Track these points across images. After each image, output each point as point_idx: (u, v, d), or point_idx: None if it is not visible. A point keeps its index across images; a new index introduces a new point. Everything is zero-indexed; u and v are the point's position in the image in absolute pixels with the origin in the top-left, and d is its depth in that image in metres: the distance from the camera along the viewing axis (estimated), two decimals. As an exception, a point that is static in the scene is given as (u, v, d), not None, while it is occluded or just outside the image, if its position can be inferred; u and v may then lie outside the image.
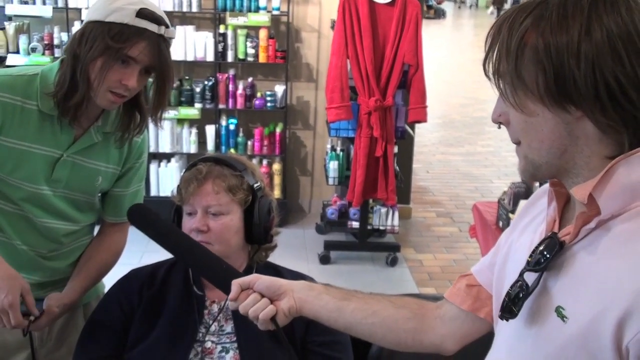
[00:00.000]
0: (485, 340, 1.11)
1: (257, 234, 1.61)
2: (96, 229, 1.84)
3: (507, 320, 0.95)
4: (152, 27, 1.48)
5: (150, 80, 1.58)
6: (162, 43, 1.50)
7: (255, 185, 1.61)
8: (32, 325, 1.55)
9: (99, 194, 1.75)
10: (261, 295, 1.23)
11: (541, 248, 0.91)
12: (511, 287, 0.94)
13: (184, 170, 1.64)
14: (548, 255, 0.89)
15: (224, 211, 1.56)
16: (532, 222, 1.06)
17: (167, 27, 1.51)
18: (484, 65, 0.91)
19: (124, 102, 1.61)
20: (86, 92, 1.50)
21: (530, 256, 0.92)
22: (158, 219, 1.50)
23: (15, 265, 1.60)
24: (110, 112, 1.64)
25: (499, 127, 0.96)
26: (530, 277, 0.92)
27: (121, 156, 1.71)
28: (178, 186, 1.61)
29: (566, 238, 0.90)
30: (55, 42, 4.82)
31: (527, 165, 0.93)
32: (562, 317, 0.86)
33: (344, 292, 1.25)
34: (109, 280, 1.74)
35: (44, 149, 1.57)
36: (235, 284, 1.24)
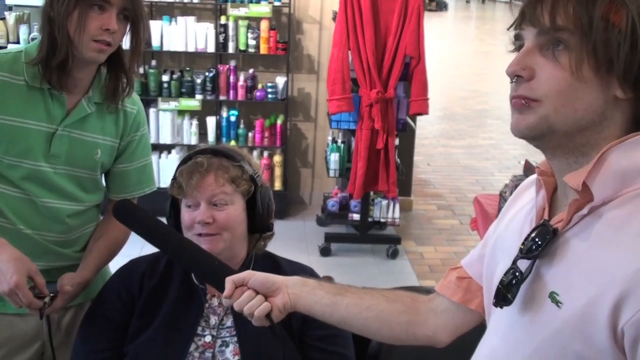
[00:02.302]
0: (479, 332, 1.11)
1: (261, 224, 1.61)
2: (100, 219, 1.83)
3: (501, 307, 0.95)
4: None
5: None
6: None
7: (255, 174, 1.61)
8: (48, 308, 1.53)
9: (102, 171, 1.74)
10: (255, 292, 1.23)
11: (533, 235, 0.92)
12: (504, 274, 0.95)
13: (177, 170, 1.62)
14: (540, 242, 0.90)
15: (228, 201, 1.56)
16: (520, 211, 1.06)
17: None
18: (534, 10, 0.89)
19: (108, 66, 1.63)
20: (69, 49, 1.51)
21: (523, 244, 0.93)
22: (146, 216, 1.49)
23: (20, 251, 1.59)
24: (100, 81, 1.65)
25: (512, 81, 0.91)
26: (523, 265, 0.93)
27: (117, 128, 1.71)
28: (175, 179, 1.59)
29: (558, 225, 0.91)
30: (56, 32, 4.79)
31: (540, 125, 0.89)
32: (557, 302, 0.87)
33: (338, 287, 1.26)
34: (112, 271, 1.73)
35: (37, 123, 1.57)
36: (229, 281, 1.23)
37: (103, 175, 1.77)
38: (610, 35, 0.84)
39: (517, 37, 0.94)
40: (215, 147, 1.66)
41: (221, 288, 1.26)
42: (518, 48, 0.94)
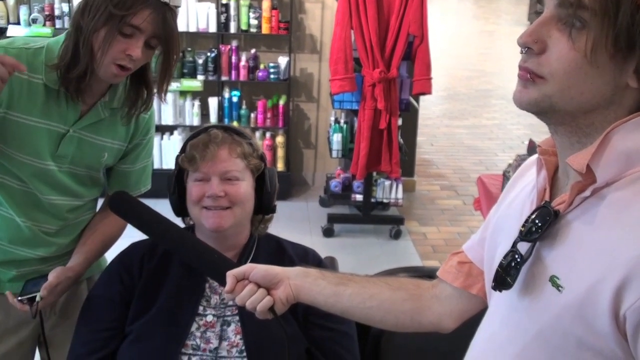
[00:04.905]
0: (482, 315, 1.10)
1: (267, 203, 1.61)
2: (99, 203, 1.83)
3: (500, 291, 0.94)
4: None
5: (157, 53, 1.55)
6: (168, 12, 1.47)
7: (263, 154, 1.62)
8: (40, 303, 1.53)
9: (104, 169, 1.74)
10: (257, 285, 1.21)
11: (533, 217, 0.90)
12: (504, 257, 0.93)
13: (189, 143, 1.60)
14: (540, 225, 0.88)
15: (240, 177, 1.55)
16: (521, 193, 1.04)
17: None
18: None
19: (131, 77, 1.58)
20: (89, 64, 1.47)
21: (523, 226, 0.91)
22: (143, 208, 1.48)
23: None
24: (117, 87, 1.62)
25: (522, 52, 0.88)
26: (523, 247, 0.91)
27: (128, 132, 1.69)
28: (186, 151, 1.58)
29: (560, 207, 0.89)
30: (56, 12, 4.77)
31: (542, 102, 0.86)
32: (557, 286, 0.85)
33: (340, 277, 1.24)
34: (112, 254, 1.73)
35: (50, 124, 1.55)
36: (231, 275, 1.22)
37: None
38: (637, 22, 0.79)
39: (541, 2, 0.90)
40: (225, 125, 1.66)
41: (222, 281, 1.25)
42: (538, 13, 0.90)
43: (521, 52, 0.88)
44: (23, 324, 1.71)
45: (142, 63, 1.52)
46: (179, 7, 1.51)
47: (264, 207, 1.62)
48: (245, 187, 1.56)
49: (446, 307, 1.20)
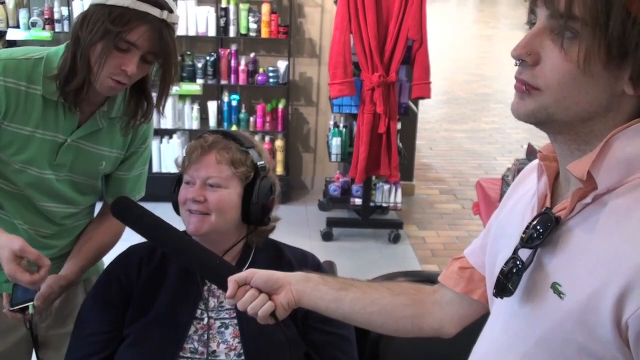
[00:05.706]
0: (483, 320, 1.10)
1: (254, 213, 1.57)
2: (97, 206, 1.83)
3: (501, 298, 0.93)
4: (154, 11, 1.44)
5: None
6: (164, 28, 1.47)
7: (260, 163, 1.59)
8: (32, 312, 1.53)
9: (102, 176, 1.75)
10: (258, 291, 1.21)
11: (534, 224, 0.90)
12: (505, 263, 0.93)
13: (186, 146, 1.63)
14: (541, 231, 0.88)
15: (222, 184, 1.54)
16: (522, 198, 1.04)
17: (170, 11, 1.47)
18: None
19: (130, 89, 1.59)
20: (86, 77, 1.48)
21: (524, 232, 0.91)
22: (145, 213, 1.49)
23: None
24: (116, 97, 1.62)
25: (517, 64, 0.88)
26: (524, 254, 0.91)
27: (125, 141, 1.70)
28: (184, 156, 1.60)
29: (561, 213, 0.88)
30: (56, 16, 4.77)
31: (539, 113, 0.86)
32: (559, 293, 0.85)
33: (341, 282, 1.24)
34: (110, 257, 1.73)
35: (48, 133, 1.56)
36: (232, 281, 1.22)
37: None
38: (628, 30, 0.79)
39: (533, 12, 0.89)
40: (227, 130, 1.66)
41: (223, 286, 1.25)
42: (531, 24, 0.89)
43: (516, 64, 0.88)
44: (18, 325, 1.70)
45: (138, 78, 1.53)
46: (176, 24, 1.51)
47: (250, 218, 1.58)
48: (226, 195, 1.54)
49: (447, 312, 1.20)
